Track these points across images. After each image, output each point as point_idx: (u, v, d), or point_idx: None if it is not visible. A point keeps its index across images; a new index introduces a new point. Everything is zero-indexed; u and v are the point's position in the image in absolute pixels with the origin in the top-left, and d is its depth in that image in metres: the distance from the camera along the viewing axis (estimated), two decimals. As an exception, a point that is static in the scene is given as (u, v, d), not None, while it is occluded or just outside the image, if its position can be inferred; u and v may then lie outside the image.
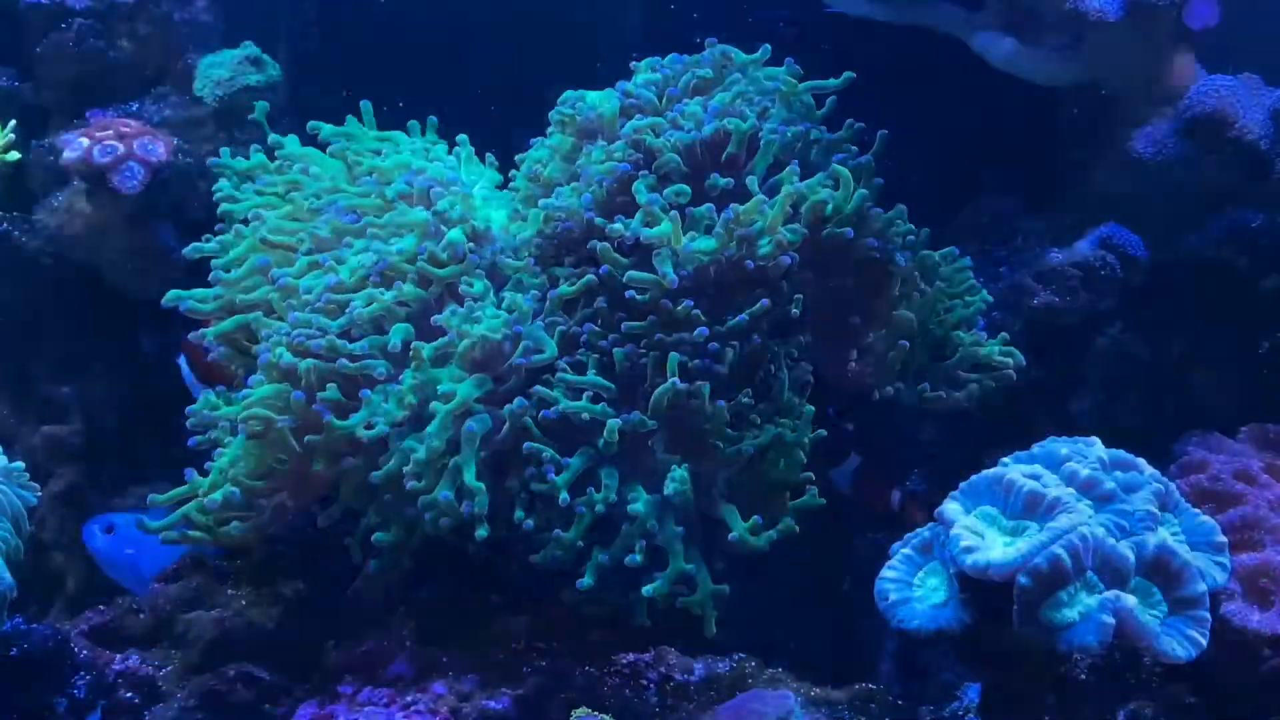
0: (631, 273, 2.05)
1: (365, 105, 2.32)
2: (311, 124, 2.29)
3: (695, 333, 2.02)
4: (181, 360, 2.28)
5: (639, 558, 1.94)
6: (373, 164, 2.24)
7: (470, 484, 1.91)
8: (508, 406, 1.97)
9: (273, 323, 2.07)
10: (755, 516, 2.01)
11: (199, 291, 2.17)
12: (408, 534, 1.99)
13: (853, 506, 2.44)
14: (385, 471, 1.94)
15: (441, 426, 1.94)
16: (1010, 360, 2.28)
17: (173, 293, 2.16)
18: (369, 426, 1.94)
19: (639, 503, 1.95)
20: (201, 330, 2.17)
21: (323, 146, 2.30)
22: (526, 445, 1.96)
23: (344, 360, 1.98)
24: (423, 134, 2.38)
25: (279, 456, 2.02)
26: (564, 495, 1.92)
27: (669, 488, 1.96)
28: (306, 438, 1.98)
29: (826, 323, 2.21)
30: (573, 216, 2.13)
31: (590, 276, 2.07)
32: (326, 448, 1.98)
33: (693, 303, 2.04)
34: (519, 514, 1.96)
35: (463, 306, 2.05)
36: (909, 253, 2.25)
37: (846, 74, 2.25)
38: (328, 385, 1.97)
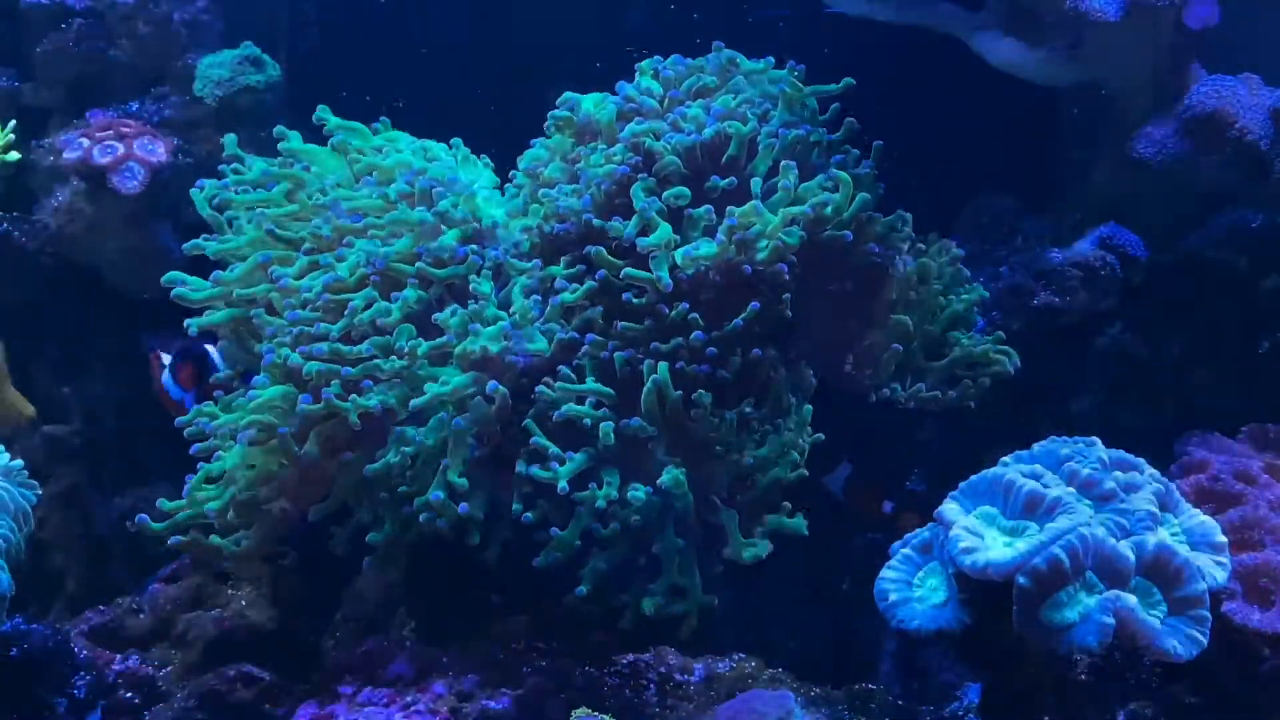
0: (629, 269, 2.05)
1: (322, 110, 2.31)
2: (318, 113, 2.29)
3: (692, 336, 2.02)
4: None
5: (604, 529, 1.94)
6: (372, 162, 2.24)
7: (455, 481, 1.91)
8: (488, 388, 1.98)
9: (275, 321, 2.07)
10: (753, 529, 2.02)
11: (197, 281, 2.19)
12: (402, 531, 1.99)
13: (847, 511, 2.45)
14: (383, 462, 1.94)
15: (436, 421, 1.94)
16: (1005, 359, 2.28)
17: (171, 274, 2.18)
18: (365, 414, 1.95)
19: (639, 492, 1.96)
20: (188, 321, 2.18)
21: (327, 139, 2.31)
22: (533, 440, 1.96)
23: (348, 369, 1.99)
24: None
25: (280, 461, 2.02)
26: (563, 484, 1.92)
27: (663, 481, 1.96)
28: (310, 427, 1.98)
29: (824, 325, 2.21)
30: (572, 217, 2.13)
31: (591, 283, 2.08)
32: (326, 440, 1.98)
33: (688, 305, 2.04)
34: (516, 506, 1.96)
35: (464, 306, 2.05)
36: (910, 257, 2.26)
37: (846, 80, 2.25)
38: (331, 383, 1.98)
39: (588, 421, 1.97)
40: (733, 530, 2.01)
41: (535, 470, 1.95)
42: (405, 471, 1.95)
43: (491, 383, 1.97)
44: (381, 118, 2.35)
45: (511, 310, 2.05)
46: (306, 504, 2.04)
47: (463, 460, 1.94)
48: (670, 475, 1.96)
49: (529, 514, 1.96)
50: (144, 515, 2.05)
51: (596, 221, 2.11)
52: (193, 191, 2.26)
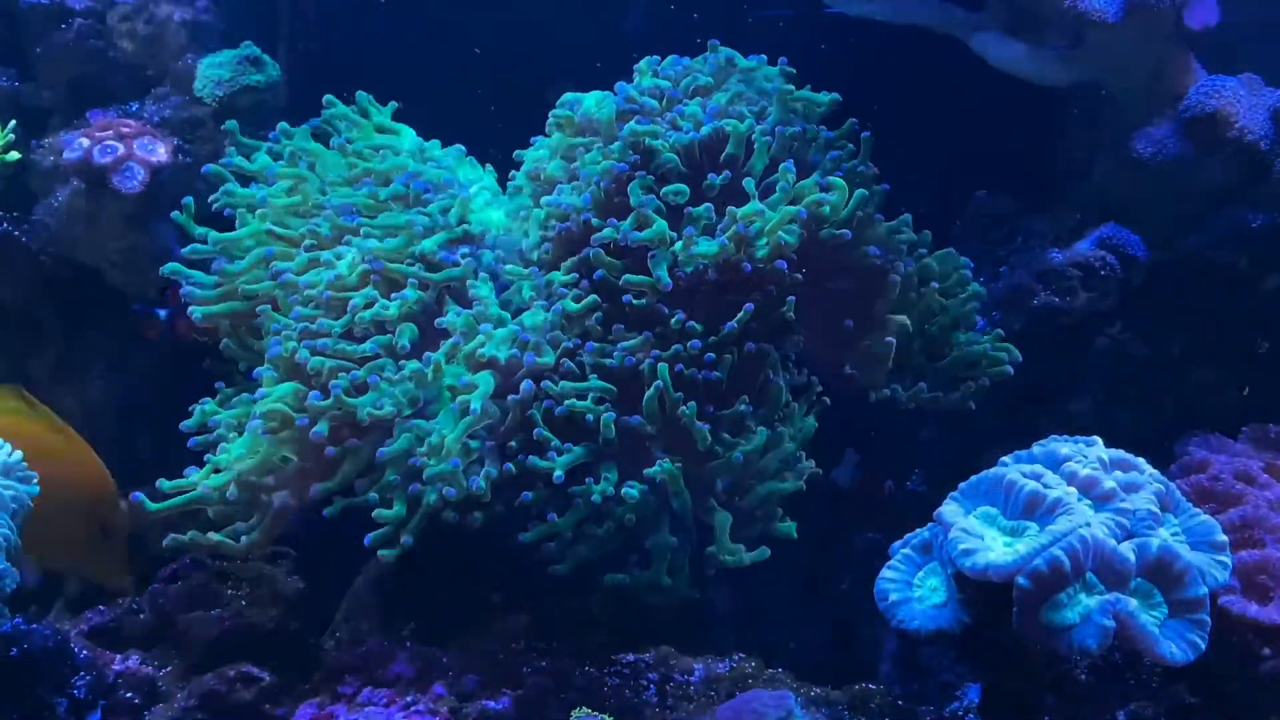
0: (627, 276, 2.06)
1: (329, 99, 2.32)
2: (326, 100, 2.29)
3: (689, 345, 2.02)
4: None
5: (599, 527, 1.95)
6: (370, 166, 2.25)
7: (449, 447, 1.92)
8: (512, 397, 1.98)
9: (278, 317, 2.08)
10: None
11: (199, 275, 2.20)
12: (410, 512, 1.99)
13: (851, 504, 2.45)
14: (393, 447, 1.95)
15: (447, 413, 1.96)
16: (1005, 356, 2.28)
17: (172, 265, 2.19)
18: (378, 407, 1.96)
19: (634, 489, 1.96)
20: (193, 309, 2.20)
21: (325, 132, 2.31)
22: (536, 432, 1.97)
23: (354, 369, 1.99)
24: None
25: (285, 455, 2.02)
26: (559, 474, 1.93)
27: (652, 471, 1.97)
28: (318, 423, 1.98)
29: (824, 324, 2.21)
30: (571, 216, 2.14)
31: (594, 298, 2.08)
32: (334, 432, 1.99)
33: (684, 314, 2.04)
34: (527, 495, 1.96)
35: (465, 307, 2.06)
36: (910, 259, 2.26)
37: (832, 95, 2.27)
38: (338, 376, 1.99)
39: (590, 418, 1.98)
40: (722, 531, 2.01)
41: (534, 459, 1.95)
42: (414, 454, 1.96)
43: (527, 383, 1.98)
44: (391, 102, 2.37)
45: (528, 325, 2.06)
46: (308, 498, 2.05)
47: (466, 428, 1.94)
48: (663, 468, 1.97)
49: (529, 493, 1.97)
50: (138, 493, 2.05)
51: (595, 221, 2.12)
52: (185, 201, 2.28)
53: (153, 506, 2.04)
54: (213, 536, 2.06)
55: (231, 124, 2.31)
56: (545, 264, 2.18)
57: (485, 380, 1.98)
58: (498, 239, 2.22)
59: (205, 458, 2.08)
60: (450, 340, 2.01)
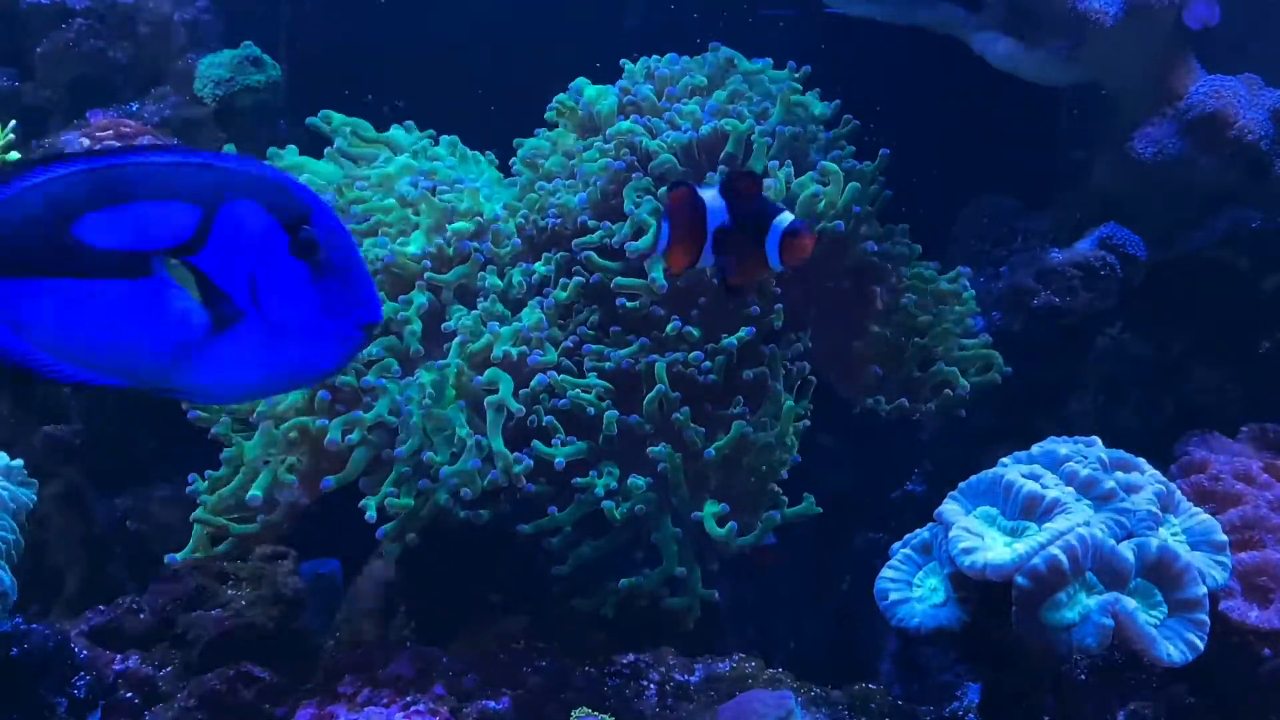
0: (619, 279, 2.05)
1: (323, 115, 2.31)
2: (322, 114, 2.29)
3: (691, 356, 2.02)
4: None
5: (614, 509, 1.96)
6: (373, 170, 2.24)
7: (500, 450, 1.93)
8: (524, 391, 1.98)
9: None
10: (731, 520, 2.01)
11: None
12: (420, 506, 1.99)
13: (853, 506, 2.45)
14: (408, 447, 1.95)
15: (454, 408, 1.96)
16: (963, 385, 2.25)
17: None
18: (393, 412, 1.97)
19: (639, 480, 1.97)
20: None
21: (328, 140, 2.31)
22: (547, 419, 1.97)
23: (365, 374, 2.00)
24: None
25: (301, 455, 2.03)
26: (560, 460, 1.93)
27: (655, 451, 1.98)
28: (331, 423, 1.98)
29: (822, 325, 2.21)
30: (567, 215, 2.14)
31: (580, 279, 2.08)
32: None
33: (680, 320, 2.04)
34: (532, 487, 1.97)
35: (469, 301, 2.06)
36: (904, 268, 2.26)
37: (834, 103, 2.28)
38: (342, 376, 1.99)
39: (591, 411, 1.98)
40: (708, 519, 2.00)
41: (537, 445, 1.95)
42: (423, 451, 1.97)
43: (540, 377, 1.99)
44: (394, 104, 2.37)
45: (528, 322, 2.06)
46: (316, 493, 2.05)
47: (500, 434, 1.95)
48: (665, 452, 1.97)
49: (532, 484, 1.96)
50: (173, 555, 2.06)
51: (591, 223, 2.11)
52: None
53: (180, 557, 2.06)
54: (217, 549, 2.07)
55: (229, 148, 2.30)
56: (533, 254, 2.18)
57: (506, 380, 1.98)
58: (500, 233, 2.22)
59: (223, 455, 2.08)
60: (457, 340, 2.01)
